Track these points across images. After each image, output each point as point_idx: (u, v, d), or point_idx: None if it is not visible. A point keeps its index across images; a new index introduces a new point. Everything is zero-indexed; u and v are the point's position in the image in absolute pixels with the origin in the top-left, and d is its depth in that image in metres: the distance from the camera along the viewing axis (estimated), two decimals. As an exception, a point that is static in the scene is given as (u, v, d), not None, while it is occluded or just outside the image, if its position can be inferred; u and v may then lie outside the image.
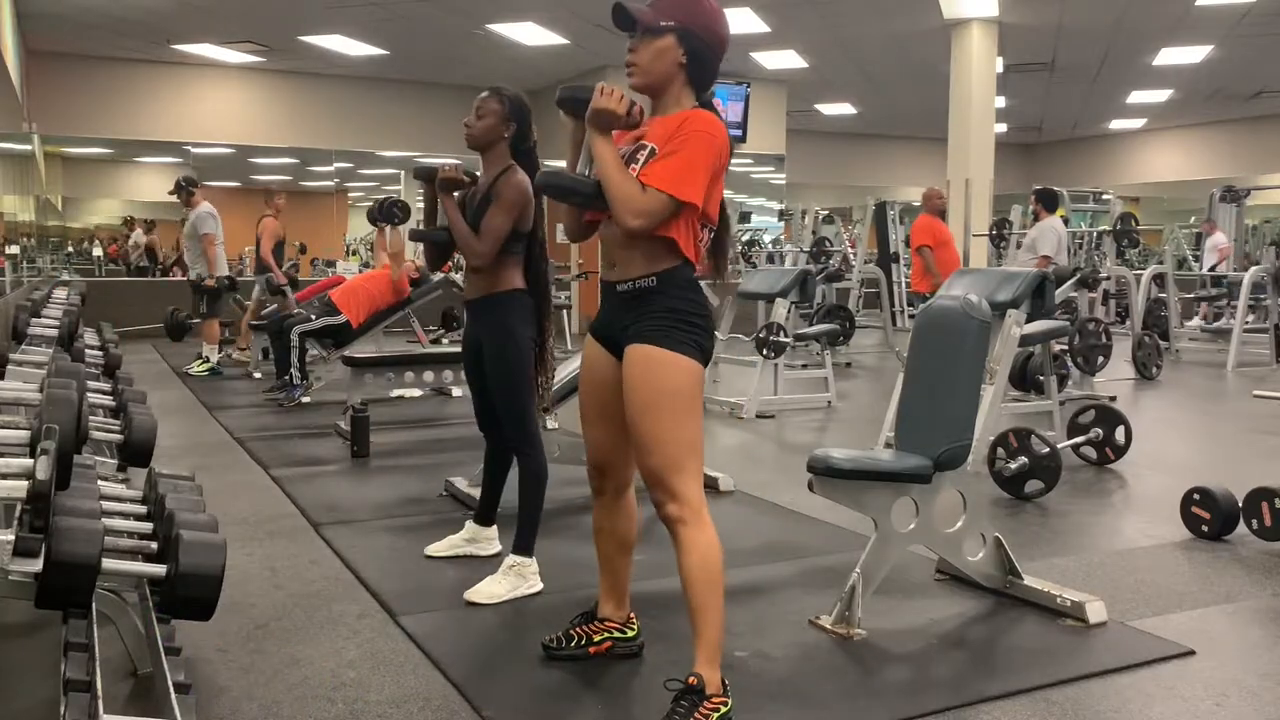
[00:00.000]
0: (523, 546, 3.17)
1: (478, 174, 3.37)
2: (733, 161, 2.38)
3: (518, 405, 3.23)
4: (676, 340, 2.25)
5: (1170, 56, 12.71)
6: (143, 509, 2.71)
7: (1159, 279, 10.70)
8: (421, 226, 3.53)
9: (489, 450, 3.52)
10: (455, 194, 3.31)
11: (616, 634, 2.64)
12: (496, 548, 3.51)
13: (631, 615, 2.66)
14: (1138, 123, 18.37)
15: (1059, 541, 3.87)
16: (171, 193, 8.59)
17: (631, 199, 2.18)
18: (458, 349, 5.51)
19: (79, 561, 2.02)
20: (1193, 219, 16.40)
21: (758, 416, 6.64)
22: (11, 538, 2.04)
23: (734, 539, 3.74)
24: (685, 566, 2.22)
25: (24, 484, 2.06)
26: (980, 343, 3.04)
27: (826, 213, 15.16)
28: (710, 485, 4.38)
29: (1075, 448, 5.09)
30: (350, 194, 14.98)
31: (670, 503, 2.23)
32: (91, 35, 11.53)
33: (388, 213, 7.43)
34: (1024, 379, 6.26)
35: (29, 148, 12.15)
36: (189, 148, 13.14)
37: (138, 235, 14.10)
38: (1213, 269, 13.17)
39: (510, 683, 2.54)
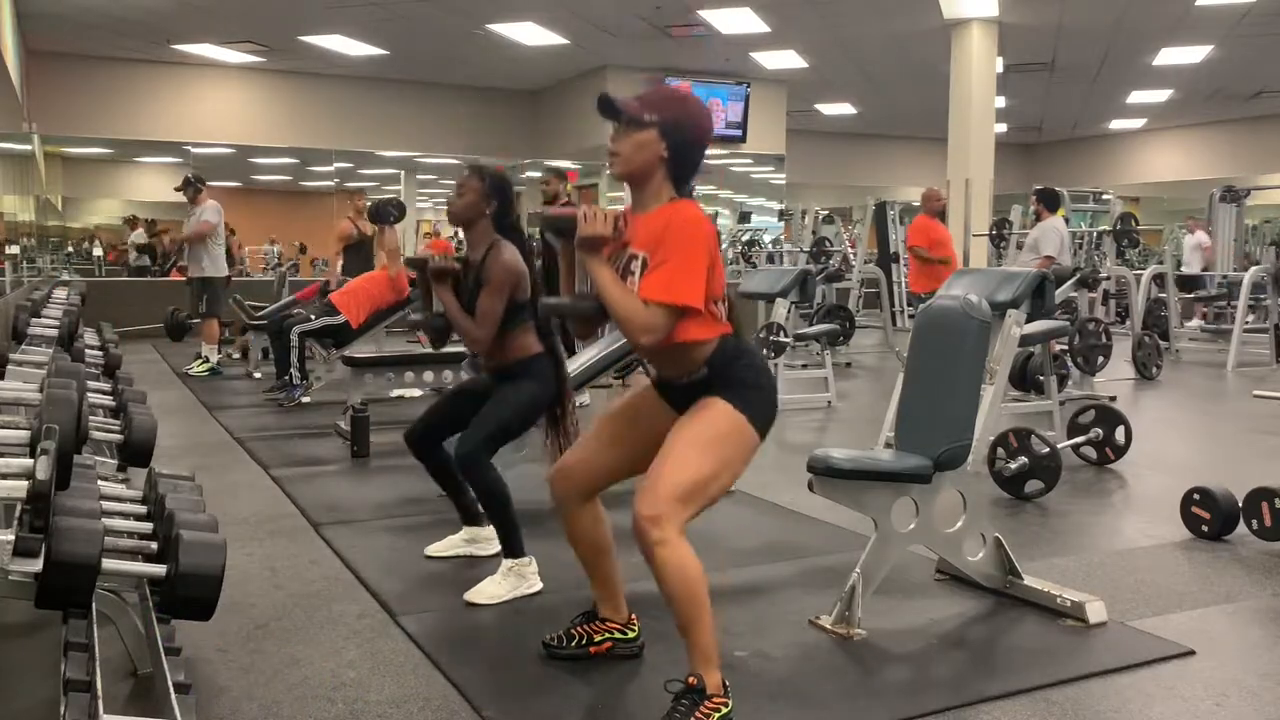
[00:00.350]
0: (513, 551, 3.16)
1: (469, 255, 3.40)
2: (733, 161, 2.42)
3: (499, 432, 3.20)
4: (746, 401, 2.28)
5: (1170, 56, 12.72)
6: (143, 509, 2.71)
7: (1159, 279, 10.70)
8: (419, 314, 3.57)
9: (430, 471, 3.49)
10: (448, 281, 3.34)
11: (617, 634, 2.64)
12: (496, 547, 3.50)
13: (633, 616, 2.66)
14: (1138, 123, 18.38)
15: (1059, 541, 3.87)
16: (178, 189, 8.57)
17: (635, 316, 2.21)
18: (458, 349, 5.52)
19: (79, 561, 2.02)
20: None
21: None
22: (11, 538, 2.03)
23: (734, 539, 3.76)
24: (667, 588, 2.18)
25: (24, 484, 2.06)
26: (980, 343, 3.04)
27: (826, 213, 15.16)
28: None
29: (1075, 448, 5.09)
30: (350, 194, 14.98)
31: (651, 525, 2.15)
32: (91, 35, 11.53)
33: (383, 213, 7.43)
34: (1024, 379, 6.26)
35: (29, 148, 12.15)
36: (189, 148, 13.14)
37: (136, 234, 14.09)
38: (1206, 269, 13.17)
39: (510, 683, 2.54)
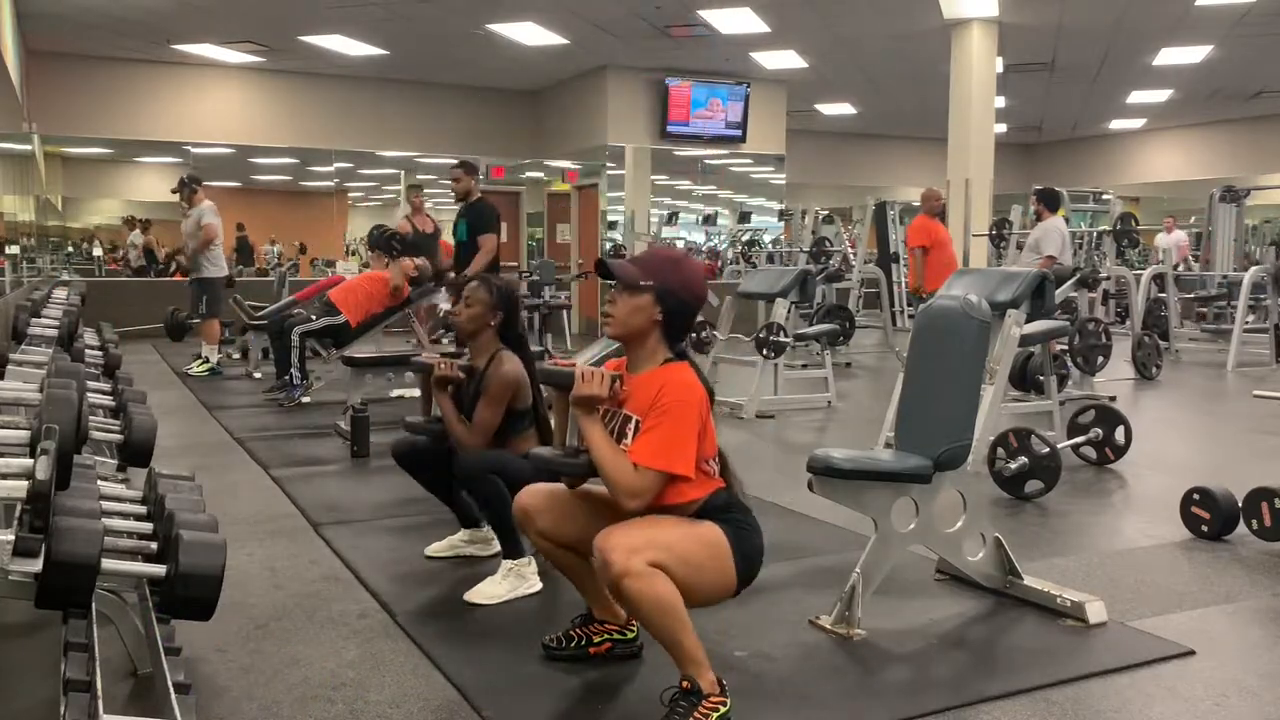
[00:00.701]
0: (512, 551, 3.17)
1: (472, 364, 3.43)
2: (733, 161, 2.45)
3: (500, 466, 3.18)
4: (731, 535, 2.28)
5: (1170, 56, 12.72)
6: (143, 509, 2.71)
7: (1159, 279, 10.70)
8: (418, 416, 3.61)
9: (421, 482, 3.51)
10: (449, 388, 3.37)
11: (616, 635, 2.64)
12: (496, 547, 3.50)
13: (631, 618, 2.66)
14: (1138, 123, 18.38)
15: (1059, 541, 3.87)
16: (174, 190, 8.57)
17: (623, 480, 2.23)
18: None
19: (79, 561, 2.02)
20: (1193, 219, 16.39)
21: (758, 416, 6.64)
22: (11, 538, 2.03)
23: (734, 539, 3.74)
24: (642, 617, 2.18)
25: (24, 484, 2.06)
26: (980, 343, 3.04)
27: (826, 213, 15.16)
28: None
29: (1075, 448, 5.09)
30: (350, 194, 14.99)
31: (616, 557, 2.12)
32: (91, 35, 11.53)
33: (386, 245, 7.38)
34: (1024, 379, 6.26)
35: (29, 148, 12.15)
36: (189, 148, 13.13)
37: (135, 235, 14.08)
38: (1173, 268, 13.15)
39: (510, 683, 2.54)
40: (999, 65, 12.02)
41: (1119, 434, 5.06)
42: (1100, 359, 7.00)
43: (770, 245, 15.99)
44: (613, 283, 2.39)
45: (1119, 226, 9.43)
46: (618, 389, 2.33)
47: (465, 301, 3.42)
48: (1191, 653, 2.73)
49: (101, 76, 12.74)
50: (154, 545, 2.43)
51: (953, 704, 2.42)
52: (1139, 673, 2.62)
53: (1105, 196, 13.66)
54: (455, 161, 7.12)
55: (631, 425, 2.31)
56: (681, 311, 2.37)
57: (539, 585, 3.16)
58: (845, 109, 16.40)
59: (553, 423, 3.40)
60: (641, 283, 2.33)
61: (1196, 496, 3.88)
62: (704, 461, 2.32)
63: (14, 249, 11.56)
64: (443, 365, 3.36)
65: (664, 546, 2.18)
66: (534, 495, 2.53)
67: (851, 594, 2.84)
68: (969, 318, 2.99)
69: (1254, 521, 3.72)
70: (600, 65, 13.24)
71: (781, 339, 6.76)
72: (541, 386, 3.44)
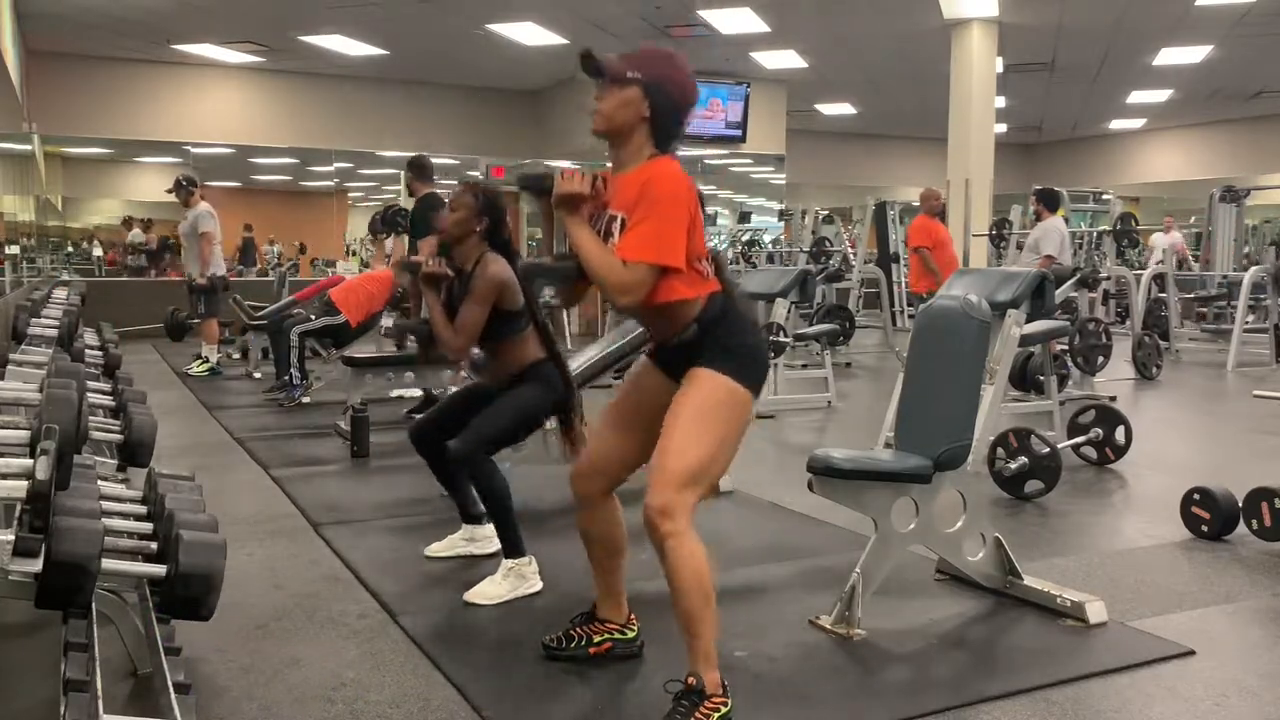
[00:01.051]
0: (512, 551, 3.17)
1: (460, 268, 3.44)
2: (733, 161, 2.42)
3: (500, 431, 3.21)
4: (735, 366, 2.27)
5: (1170, 56, 12.73)
6: (143, 509, 2.71)
7: (1159, 279, 10.70)
8: (407, 317, 3.58)
9: (432, 468, 3.51)
10: (438, 288, 3.38)
11: (616, 635, 2.64)
12: (495, 545, 3.50)
13: (632, 616, 2.66)
14: (1138, 123, 18.40)
15: (1059, 541, 3.87)
16: (170, 191, 8.56)
17: (612, 275, 2.20)
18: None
19: (79, 561, 2.02)
20: (1193, 219, 16.39)
21: (758, 416, 6.64)
22: (11, 538, 2.04)
23: (734, 539, 3.75)
24: (677, 580, 2.18)
25: (24, 484, 2.06)
26: (980, 343, 3.04)
27: (826, 213, 15.16)
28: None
29: (1075, 448, 5.08)
30: (350, 194, 14.98)
31: (662, 518, 2.16)
32: (91, 35, 11.54)
33: (391, 222, 7.36)
34: (1024, 379, 6.26)
35: (29, 148, 12.15)
36: (189, 148, 13.14)
37: (135, 234, 14.09)
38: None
39: (510, 683, 2.54)
40: (999, 65, 12.03)
41: (1119, 434, 5.06)
42: (1100, 359, 7.00)
43: (770, 245, 15.99)
44: (599, 80, 2.30)
45: (1119, 226, 9.44)
46: (600, 188, 2.29)
47: (450, 207, 3.42)
48: (1191, 653, 2.73)
49: (101, 76, 12.74)
50: (154, 545, 2.44)
51: (953, 704, 2.42)
52: (1139, 673, 2.62)
53: (1105, 196, 13.66)
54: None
55: (618, 224, 2.26)
56: (671, 108, 2.29)
57: (539, 585, 3.15)
58: (845, 109, 16.41)
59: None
60: (629, 74, 2.26)
61: (1196, 496, 3.88)
62: (696, 260, 2.27)
63: (14, 249, 11.56)
64: (431, 263, 3.36)
65: (695, 468, 2.19)
66: (582, 465, 2.53)
67: (851, 594, 2.84)
68: (969, 318, 2.99)
69: (1254, 521, 3.72)
70: (600, 65, 13.25)
71: (781, 339, 6.75)
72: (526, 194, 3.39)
